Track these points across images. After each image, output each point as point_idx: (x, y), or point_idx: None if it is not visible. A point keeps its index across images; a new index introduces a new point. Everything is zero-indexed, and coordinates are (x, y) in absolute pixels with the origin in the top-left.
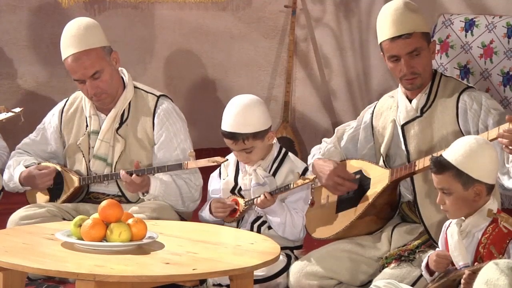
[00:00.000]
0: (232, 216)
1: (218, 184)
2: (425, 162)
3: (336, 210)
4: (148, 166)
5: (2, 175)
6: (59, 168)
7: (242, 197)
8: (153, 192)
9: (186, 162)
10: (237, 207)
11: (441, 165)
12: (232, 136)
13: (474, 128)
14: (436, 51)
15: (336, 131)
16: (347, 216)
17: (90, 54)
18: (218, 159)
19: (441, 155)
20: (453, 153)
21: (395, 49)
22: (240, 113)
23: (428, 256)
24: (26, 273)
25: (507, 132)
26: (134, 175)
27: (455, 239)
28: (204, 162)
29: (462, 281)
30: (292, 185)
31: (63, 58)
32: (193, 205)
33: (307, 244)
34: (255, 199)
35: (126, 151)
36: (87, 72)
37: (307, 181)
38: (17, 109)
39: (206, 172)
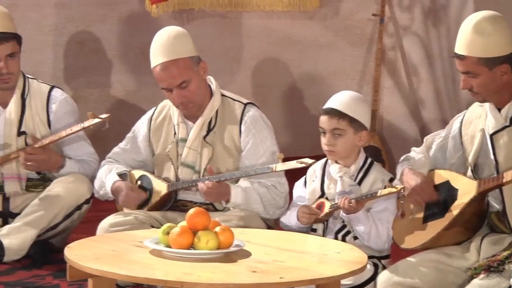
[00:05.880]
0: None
1: (303, 193)
2: None
3: (423, 220)
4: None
5: (93, 182)
6: (148, 175)
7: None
8: (235, 200)
9: (274, 165)
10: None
11: None
12: (330, 111)
13: None
14: None
15: (425, 140)
16: (434, 227)
17: (178, 64)
18: (307, 160)
19: None
20: None
21: (457, 65)
22: (347, 96)
23: None
24: (115, 280)
25: None
26: (207, 181)
27: None
28: (293, 164)
29: None
30: (379, 193)
31: (152, 66)
32: (279, 212)
33: (394, 254)
34: (340, 202)
35: (213, 159)
36: (174, 81)
37: (394, 190)
38: (104, 115)
39: (291, 180)
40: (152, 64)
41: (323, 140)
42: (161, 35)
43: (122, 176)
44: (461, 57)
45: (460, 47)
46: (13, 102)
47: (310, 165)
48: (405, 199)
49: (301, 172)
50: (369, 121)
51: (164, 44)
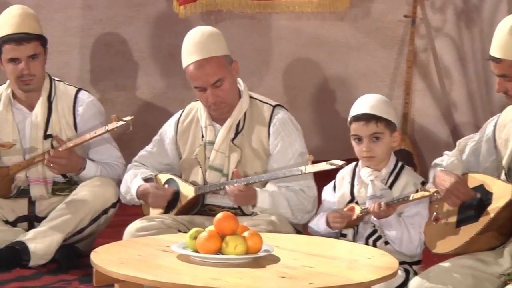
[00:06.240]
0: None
1: (332, 197)
2: None
3: (456, 225)
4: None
5: (119, 186)
6: (176, 179)
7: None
8: (261, 205)
9: (304, 167)
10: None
11: None
12: (366, 116)
13: None
14: None
15: (458, 144)
16: (468, 231)
17: (213, 62)
18: (337, 162)
19: None
20: None
21: (492, 67)
22: (373, 99)
23: None
24: (141, 285)
25: None
26: (237, 184)
27: None
28: (323, 166)
29: None
30: (412, 197)
31: (184, 66)
32: (307, 217)
33: (426, 259)
34: (371, 206)
35: (241, 161)
36: (209, 79)
37: (427, 193)
38: (128, 118)
39: (320, 184)
40: (185, 63)
41: (360, 147)
42: (194, 34)
43: (147, 181)
44: (496, 60)
45: (496, 50)
46: (40, 105)
47: (341, 166)
48: (440, 204)
49: (330, 176)
50: (398, 121)
51: (197, 43)
